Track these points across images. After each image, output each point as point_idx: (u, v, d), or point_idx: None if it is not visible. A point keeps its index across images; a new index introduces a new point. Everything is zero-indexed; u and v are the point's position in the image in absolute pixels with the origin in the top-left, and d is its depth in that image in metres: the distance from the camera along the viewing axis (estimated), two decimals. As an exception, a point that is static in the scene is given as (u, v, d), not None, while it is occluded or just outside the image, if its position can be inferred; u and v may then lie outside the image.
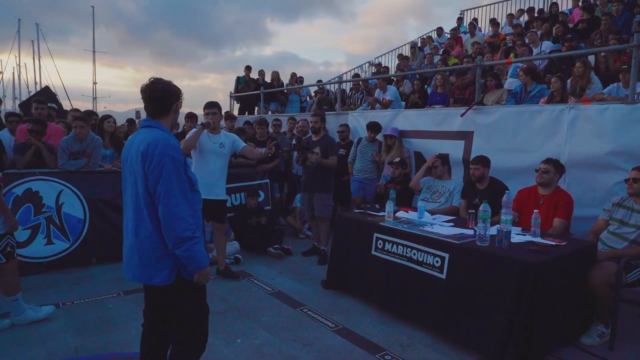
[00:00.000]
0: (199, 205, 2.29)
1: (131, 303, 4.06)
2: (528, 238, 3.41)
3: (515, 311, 2.88)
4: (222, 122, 6.13)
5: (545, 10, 10.46)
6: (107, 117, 5.91)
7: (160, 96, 2.24)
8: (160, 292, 2.26)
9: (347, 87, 10.15)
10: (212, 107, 4.56)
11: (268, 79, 10.97)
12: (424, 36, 12.52)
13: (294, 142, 6.38)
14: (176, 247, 2.10)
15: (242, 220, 5.92)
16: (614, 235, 3.55)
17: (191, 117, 6.97)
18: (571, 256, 3.23)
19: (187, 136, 4.55)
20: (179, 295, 2.25)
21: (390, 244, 3.80)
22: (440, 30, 12.25)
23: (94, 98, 43.50)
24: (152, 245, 2.15)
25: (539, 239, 3.37)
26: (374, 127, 6.26)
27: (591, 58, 6.94)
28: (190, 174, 2.23)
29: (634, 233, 3.44)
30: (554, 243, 3.27)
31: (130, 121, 8.87)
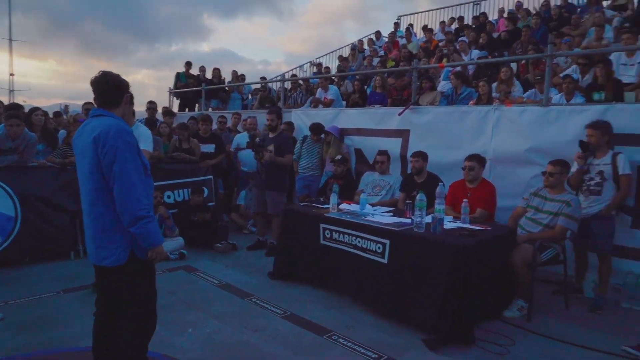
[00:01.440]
0: (151, 189, 2.40)
1: (74, 301, 3.97)
2: (459, 224, 3.78)
3: (448, 289, 3.20)
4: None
5: (473, 18, 11.24)
6: (35, 109, 5.64)
7: (112, 87, 2.31)
8: (112, 273, 2.31)
9: (288, 85, 10.31)
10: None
11: (209, 75, 10.88)
12: (363, 39, 12.98)
13: (246, 139, 6.45)
14: (131, 225, 2.18)
15: (186, 216, 5.90)
16: (531, 221, 4.02)
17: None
18: (495, 240, 3.63)
19: None
20: (131, 276, 2.31)
21: (337, 233, 4.03)
22: (378, 34, 12.76)
23: (11, 91, 39.86)
24: (104, 226, 2.24)
25: (468, 225, 3.75)
26: (315, 129, 6.44)
27: (513, 66, 7.66)
28: (143, 158, 2.31)
29: (546, 219, 3.92)
30: (480, 228, 3.65)
31: (56, 114, 8.45)
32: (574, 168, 4.15)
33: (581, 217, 3.94)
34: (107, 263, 2.26)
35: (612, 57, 5.89)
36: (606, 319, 3.79)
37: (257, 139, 5.55)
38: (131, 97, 2.44)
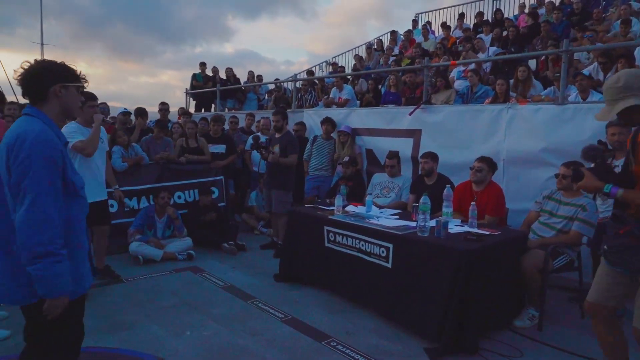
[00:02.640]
0: (82, 214, 1.94)
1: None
2: (466, 229, 3.63)
3: (451, 296, 3.07)
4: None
5: (490, 15, 10.94)
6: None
7: (33, 75, 1.83)
8: (26, 310, 1.86)
9: (300, 85, 10.25)
10: (96, 98, 4.23)
11: (223, 75, 10.92)
12: (380, 37, 12.82)
13: (250, 141, 6.44)
14: (30, 263, 1.68)
15: (195, 216, 5.90)
16: (544, 225, 3.83)
17: (142, 113, 6.83)
18: (504, 245, 3.47)
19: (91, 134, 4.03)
20: (43, 319, 1.78)
21: (341, 236, 3.94)
22: (394, 33, 12.58)
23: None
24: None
25: (475, 229, 3.59)
26: (328, 121, 6.39)
27: (532, 63, 7.40)
28: (73, 176, 1.86)
29: (560, 223, 3.72)
30: (488, 233, 3.50)
31: None
32: None
33: (598, 221, 3.74)
34: (16, 302, 1.82)
35: (637, 52, 5.60)
36: (625, 330, 3.57)
37: (261, 140, 5.53)
38: (76, 88, 1.92)
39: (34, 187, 1.69)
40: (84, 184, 1.96)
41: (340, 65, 12.15)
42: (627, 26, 6.61)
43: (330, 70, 11.47)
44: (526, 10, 10.28)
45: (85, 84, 1.98)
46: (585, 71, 5.76)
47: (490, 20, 10.43)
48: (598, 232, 3.72)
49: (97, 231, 4.39)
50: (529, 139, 4.58)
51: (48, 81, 1.84)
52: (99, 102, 6.18)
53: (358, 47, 13.14)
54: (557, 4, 9.84)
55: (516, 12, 10.85)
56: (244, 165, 7.21)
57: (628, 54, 5.26)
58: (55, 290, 1.74)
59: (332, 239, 4.02)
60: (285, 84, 10.64)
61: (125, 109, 6.83)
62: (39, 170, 1.70)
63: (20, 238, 1.69)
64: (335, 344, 3.24)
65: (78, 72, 1.94)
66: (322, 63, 13.00)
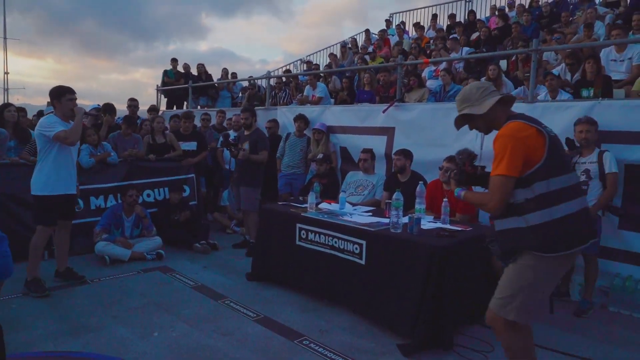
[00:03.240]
0: None
1: (39, 302, 3.82)
2: (438, 225, 3.63)
3: (424, 291, 3.06)
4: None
5: (463, 17, 11.11)
6: (6, 105, 5.53)
7: None
8: None
9: (274, 83, 10.16)
10: (73, 92, 4.11)
11: (195, 72, 10.71)
12: (354, 36, 12.84)
13: (221, 139, 6.33)
14: None
15: (166, 215, 5.75)
16: (514, 221, 3.87)
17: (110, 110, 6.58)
18: (475, 240, 3.47)
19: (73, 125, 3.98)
20: None
21: (313, 233, 3.88)
22: (367, 32, 12.62)
23: (5, 89, 39.52)
24: None
25: (447, 226, 3.60)
26: (301, 118, 6.35)
27: (503, 64, 7.53)
28: None
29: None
30: (460, 229, 3.51)
31: (40, 113, 8.27)
32: None
33: None
34: None
35: (602, 53, 5.76)
36: (592, 324, 3.65)
37: (231, 138, 5.45)
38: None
39: None
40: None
41: (314, 63, 12.10)
42: (590, 30, 6.80)
43: (305, 68, 11.41)
44: (496, 12, 10.47)
45: None
46: (554, 71, 5.88)
47: (462, 21, 10.59)
48: None
49: (61, 226, 4.22)
50: (500, 137, 4.63)
51: None
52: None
53: (332, 45, 13.13)
54: (526, 6, 10.07)
55: (487, 14, 11.04)
56: (215, 163, 7.08)
57: (594, 54, 5.40)
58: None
59: (304, 236, 3.96)
60: (259, 82, 10.52)
61: (97, 104, 6.63)
62: None
63: None
64: (308, 342, 3.19)
65: None
66: (296, 61, 12.94)
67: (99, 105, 6.60)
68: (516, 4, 10.43)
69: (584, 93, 5.04)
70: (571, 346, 3.22)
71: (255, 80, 10.47)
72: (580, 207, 2.13)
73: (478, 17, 10.85)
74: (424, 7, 13.49)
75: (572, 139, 3.91)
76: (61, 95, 3.92)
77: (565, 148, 3.92)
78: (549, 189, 2.06)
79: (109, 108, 6.54)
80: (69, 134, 3.89)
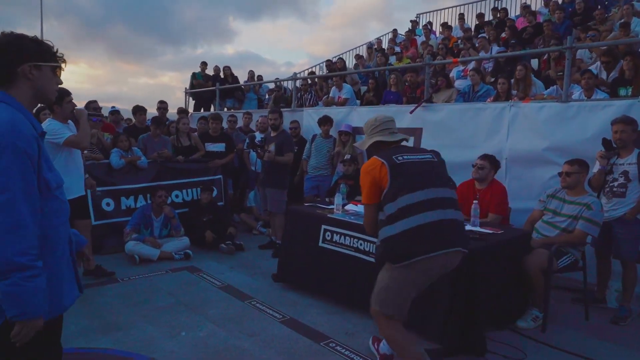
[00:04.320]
0: (57, 218, 1.63)
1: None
2: (468, 227, 3.54)
3: (454, 296, 2.99)
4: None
5: (494, 15, 10.87)
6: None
7: None
8: None
9: (299, 84, 10.18)
10: (70, 93, 4.06)
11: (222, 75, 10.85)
12: (380, 37, 12.75)
13: (247, 140, 6.37)
14: (0, 277, 1.40)
15: (195, 215, 5.83)
16: (547, 224, 3.75)
17: (139, 110, 6.72)
18: (507, 244, 3.39)
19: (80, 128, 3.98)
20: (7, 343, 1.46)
21: (338, 235, 3.85)
22: (395, 32, 12.51)
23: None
24: None
25: (478, 228, 3.51)
26: (325, 120, 6.35)
27: (534, 63, 7.33)
28: (49, 174, 1.58)
29: (564, 222, 3.65)
30: (491, 232, 3.42)
31: None
32: (596, 168, 3.85)
33: (603, 220, 3.66)
34: None
35: (641, 50, 5.54)
36: (629, 332, 3.50)
37: (257, 139, 5.48)
38: (52, 69, 1.63)
39: (4, 186, 1.41)
40: (62, 183, 1.66)
41: (337, 62, 12.05)
42: (627, 29, 6.53)
43: (326, 70, 11.39)
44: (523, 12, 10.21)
45: (63, 65, 1.67)
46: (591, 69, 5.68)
47: (491, 20, 10.37)
48: (603, 231, 3.65)
49: (80, 226, 4.29)
50: (532, 138, 4.51)
51: (14, 58, 1.54)
52: (93, 101, 6.16)
53: (358, 47, 13.08)
54: (560, 3, 9.78)
55: (518, 12, 10.78)
56: (242, 165, 7.14)
57: (633, 51, 5.19)
58: (28, 311, 1.43)
59: (329, 238, 3.93)
60: (285, 84, 10.57)
61: (113, 107, 6.77)
62: (10, 165, 1.42)
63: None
64: (334, 345, 3.17)
65: (54, 49, 1.64)
66: (321, 63, 12.93)
67: (114, 107, 6.74)
68: (551, 2, 10.14)
69: (622, 92, 4.86)
70: (606, 354, 3.09)
71: (281, 82, 10.52)
72: (432, 219, 2.35)
73: (508, 15, 10.62)
74: (451, 7, 13.31)
75: (609, 140, 3.75)
76: (62, 99, 3.85)
77: (602, 149, 3.78)
78: (396, 208, 2.35)
79: (138, 109, 6.68)
80: (80, 138, 3.89)
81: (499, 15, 10.39)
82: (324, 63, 12.47)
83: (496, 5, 11.46)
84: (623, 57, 4.99)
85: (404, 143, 2.79)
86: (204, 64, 10.83)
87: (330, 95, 8.10)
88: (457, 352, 2.99)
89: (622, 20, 6.85)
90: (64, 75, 1.75)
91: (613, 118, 3.97)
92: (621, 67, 5.04)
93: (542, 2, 10.43)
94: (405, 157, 2.47)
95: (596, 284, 3.99)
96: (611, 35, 6.96)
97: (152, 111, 7.66)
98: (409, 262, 2.35)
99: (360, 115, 6.38)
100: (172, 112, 8.28)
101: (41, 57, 1.58)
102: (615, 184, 3.70)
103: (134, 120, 7.07)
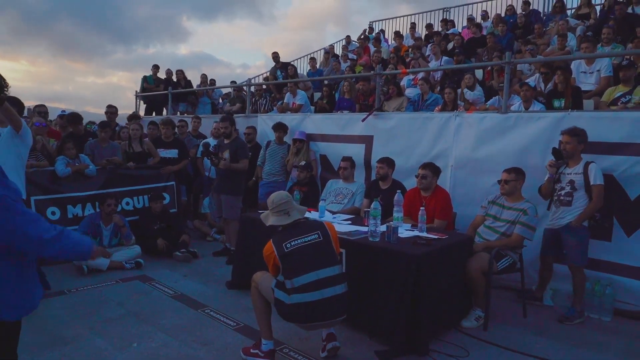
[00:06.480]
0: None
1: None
2: (415, 233, 3.72)
3: (401, 298, 3.13)
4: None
5: (443, 27, 11.34)
6: None
7: None
8: None
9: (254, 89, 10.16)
10: None
11: (176, 78, 10.66)
12: (333, 44, 12.97)
13: (201, 148, 6.33)
14: (48, 251, 1.83)
15: (146, 223, 5.71)
16: (488, 229, 3.99)
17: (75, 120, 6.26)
18: (451, 248, 3.58)
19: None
20: None
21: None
22: (348, 39, 12.76)
23: (-23, 93, 38.28)
24: None
25: (424, 234, 3.69)
26: (280, 127, 6.41)
27: (479, 73, 7.73)
28: (11, 184, 1.83)
29: (504, 227, 3.90)
30: (436, 237, 3.60)
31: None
32: (546, 177, 4.08)
33: (551, 228, 3.92)
34: None
35: (573, 65, 5.98)
36: (567, 329, 3.74)
37: (211, 146, 5.48)
38: (16, 102, 1.95)
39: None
40: (20, 196, 1.85)
41: (292, 66, 12.12)
42: (564, 39, 7.05)
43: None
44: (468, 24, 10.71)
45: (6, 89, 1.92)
46: (530, 82, 6.07)
47: (439, 30, 10.81)
48: (550, 238, 3.93)
49: None
50: (475, 146, 4.77)
51: None
52: (40, 103, 5.87)
53: (315, 52, 13.23)
54: (502, 14, 10.34)
55: (465, 24, 11.30)
56: (195, 171, 7.07)
57: (565, 66, 5.60)
58: (84, 251, 1.95)
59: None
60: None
61: (63, 111, 6.48)
62: None
63: (25, 249, 1.78)
64: (287, 350, 3.23)
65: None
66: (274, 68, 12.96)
67: (64, 111, 6.43)
68: (492, 15, 10.70)
69: (556, 103, 5.23)
70: (543, 350, 3.32)
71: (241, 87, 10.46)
72: (316, 298, 2.81)
73: (455, 26, 11.11)
74: (403, 16, 13.74)
75: (559, 149, 3.94)
76: None
77: (552, 158, 4.01)
78: (292, 286, 2.82)
79: (74, 118, 6.13)
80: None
81: (447, 26, 10.85)
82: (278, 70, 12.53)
83: (445, 17, 11.96)
84: (555, 71, 5.38)
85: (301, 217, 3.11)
86: (155, 67, 10.59)
87: (285, 100, 8.17)
88: (403, 353, 3.13)
89: (559, 34, 7.35)
90: (2, 74, 1.94)
91: (547, 128, 4.29)
92: (555, 80, 5.43)
93: (481, 17, 10.96)
94: (293, 242, 2.91)
95: (537, 285, 4.23)
96: (549, 48, 7.46)
97: (101, 112, 7.36)
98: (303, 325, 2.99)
99: (315, 122, 6.49)
100: (122, 113, 8.01)
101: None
102: (563, 192, 3.91)
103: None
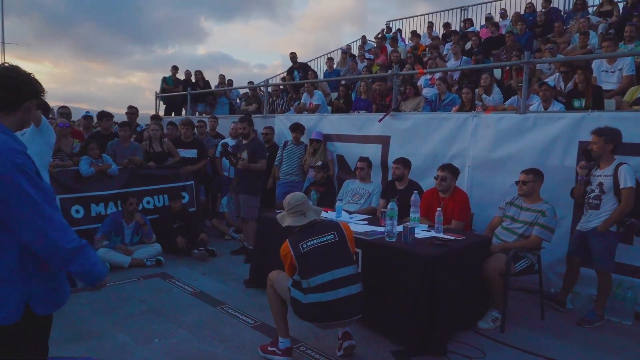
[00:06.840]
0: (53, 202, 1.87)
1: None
2: (432, 234, 3.73)
3: (417, 299, 3.15)
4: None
5: (459, 26, 11.26)
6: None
7: (12, 86, 1.76)
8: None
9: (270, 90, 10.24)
10: None
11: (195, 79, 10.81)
12: (349, 44, 12.98)
13: (219, 148, 6.42)
14: (65, 264, 1.74)
15: (166, 222, 5.83)
16: (506, 230, 3.97)
17: (106, 116, 6.42)
18: (468, 249, 3.58)
19: None
20: (20, 337, 1.75)
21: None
22: (364, 39, 12.75)
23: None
24: None
25: (441, 234, 3.70)
26: (297, 127, 6.46)
27: (497, 72, 7.66)
28: (46, 185, 1.80)
29: (521, 228, 3.88)
30: (453, 238, 3.61)
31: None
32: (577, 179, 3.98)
33: (580, 229, 3.87)
34: None
35: (594, 64, 5.89)
36: (586, 332, 3.70)
37: (229, 147, 5.56)
38: (43, 105, 1.93)
39: (24, 201, 1.64)
40: (54, 196, 1.84)
41: (313, 69, 12.20)
42: (586, 37, 6.94)
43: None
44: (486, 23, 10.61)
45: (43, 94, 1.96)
46: (550, 81, 5.99)
47: (458, 30, 10.73)
48: (578, 241, 3.88)
49: None
50: (492, 147, 4.75)
51: (27, 94, 1.81)
52: (62, 104, 6.01)
53: (332, 52, 13.26)
54: (521, 12, 10.21)
55: (483, 22, 11.19)
56: (214, 171, 7.17)
57: (586, 65, 5.52)
58: (101, 275, 1.85)
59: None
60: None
61: (87, 112, 6.63)
62: (21, 183, 1.63)
63: (43, 254, 1.71)
64: (304, 348, 3.28)
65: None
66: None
67: (88, 112, 6.57)
68: (511, 13, 10.57)
69: (576, 103, 5.16)
70: (561, 353, 3.30)
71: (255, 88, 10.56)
72: (332, 298, 2.85)
73: (474, 25, 11.01)
74: (420, 15, 13.66)
75: (588, 150, 3.81)
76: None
77: (582, 159, 3.93)
78: (308, 285, 2.88)
79: (105, 114, 6.33)
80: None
81: (465, 25, 10.76)
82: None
83: (463, 16, 11.86)
84: (575, 71, 5.30)
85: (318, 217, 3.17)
86: (174, 68, 10.76)
87: (302, 101, 8.22)
88: (419, 353, 3.15)
89: (580, 31, 7.24)
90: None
91: (566, 129, 4.24)
92: (575, 79, 5.35)
93: (500, 15, 10.84)
94: (309, 243, 2.96)
95: (560, 288, 4.15)
96: (570, 47, 7.35)
97: (121, 112, 7.50)
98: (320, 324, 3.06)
99: (331, 123, 6.53)
100: (142, 114, 8.17)
101: (39, 93, 1.87)
102: (592, 195, 3.80)
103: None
